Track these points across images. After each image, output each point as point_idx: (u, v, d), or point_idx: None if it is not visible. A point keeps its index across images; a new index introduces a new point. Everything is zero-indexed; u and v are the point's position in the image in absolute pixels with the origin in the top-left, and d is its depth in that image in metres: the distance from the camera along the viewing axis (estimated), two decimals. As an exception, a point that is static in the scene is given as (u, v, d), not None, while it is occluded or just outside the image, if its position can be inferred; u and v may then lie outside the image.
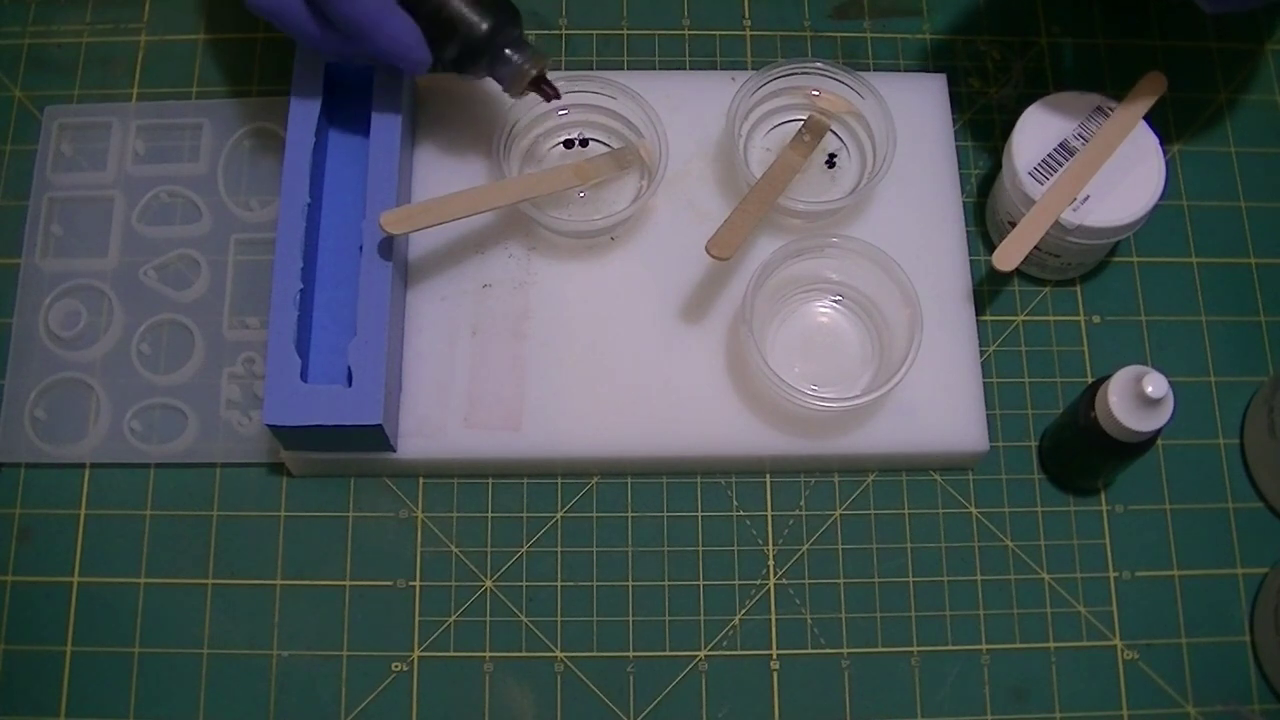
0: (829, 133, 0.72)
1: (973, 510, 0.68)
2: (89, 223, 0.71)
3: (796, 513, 0.68)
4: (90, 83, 0.75)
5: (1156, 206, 0.67)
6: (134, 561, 0.66)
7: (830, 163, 0.72)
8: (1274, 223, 0.75)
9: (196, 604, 0.66)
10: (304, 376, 0.64)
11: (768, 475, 0.69)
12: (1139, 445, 0.62)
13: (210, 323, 0.69)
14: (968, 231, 0.72)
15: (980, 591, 0.67)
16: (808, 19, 0.78)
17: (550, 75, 0.66)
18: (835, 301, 0.70)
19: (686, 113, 0.72)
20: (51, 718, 0.64)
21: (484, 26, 0.63)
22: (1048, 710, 0.65)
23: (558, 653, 0.65)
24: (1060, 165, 0.68)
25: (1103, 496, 0.69)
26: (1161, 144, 0.68)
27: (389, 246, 0.65)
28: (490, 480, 0.68)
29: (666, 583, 0.67)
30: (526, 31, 0.66)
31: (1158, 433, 0.61)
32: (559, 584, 0.66)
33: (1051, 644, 0.66)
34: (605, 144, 0.72)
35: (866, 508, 0.68)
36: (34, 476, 0.68)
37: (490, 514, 0.68)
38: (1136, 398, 0.60)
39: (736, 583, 0.67)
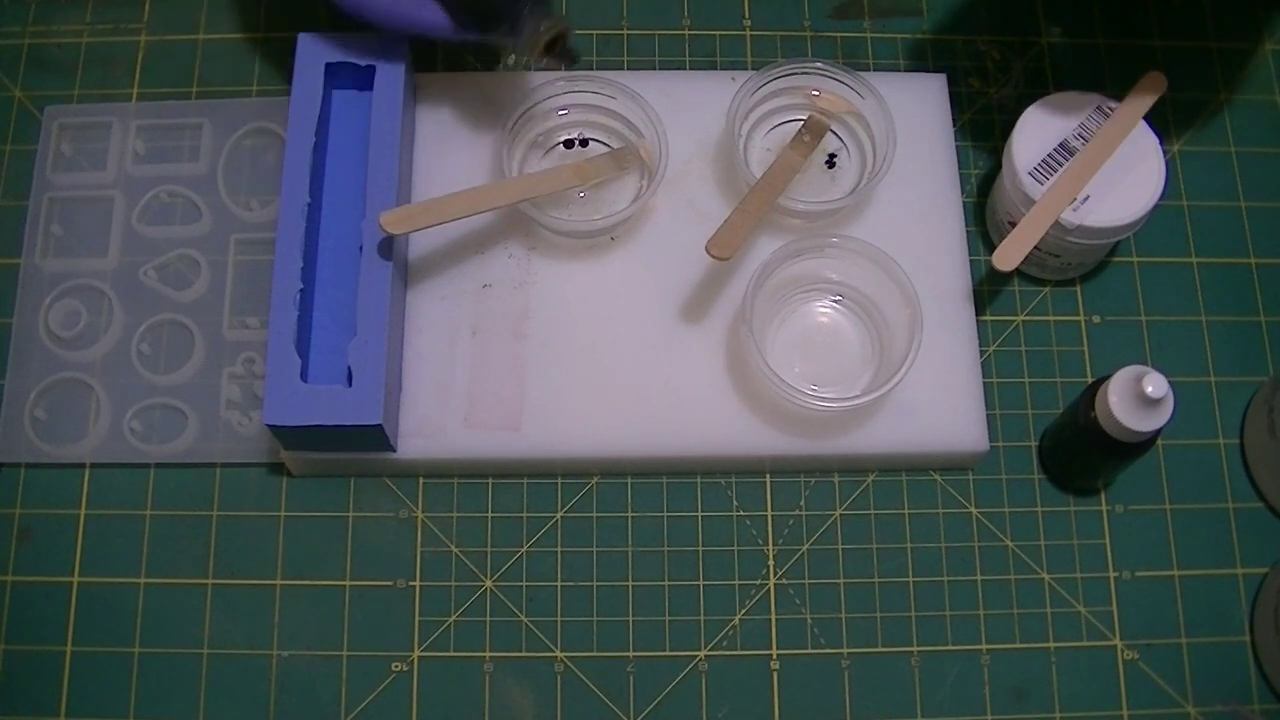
0: (829, 133, 0.72)
1: (973, 510, 0.68)
2: (89, 223, 0.71)
3: (796, 513, 0.68)
4: (90, 83, 0.75)
5: (1156, 206, 0.67)
6: (134, 561, 0.66)
7: (830, 163, 0.72)
8: (1274, 223, 0.75)
9: (196, 604, 0.66)
10: (304, 376, 0.64)
11: (768, 475, 0.69)
12: (1139, 445, 0.62)
13: (210, 323, 0.69)
14: (968, 231, 0.72)
15: (980, 591, 0.67)
16: (808, 19, 0.78)
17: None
18: (835, 301, 0.70)
19: (686, 113, 0.72)
20: (51, 718, 0.64)
21: None
22: (1048, 710, 0.65)
23: (558, 653, 0.65)
24: (1060, 165, 0.68)
25: (1103, 496, 0.69)
26: (1161, 144, 0.68)
27: (389, 246, 0.65)
28: (490, 480, 0.68)
29: (666, 583, 0.67)
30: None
31: (1158, 433, 0.61)
32: (559, 584, 0.66)
33: (1051, 644, 0.66)
34: (605, 144, 0.72)
35: (866, 508, 0.68)
36: (34, 476, 0.68)
37: (490, 514, 0.68)
38: (1136, 398, 0.60)
39: (736, 583, 0.67)
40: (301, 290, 0.64)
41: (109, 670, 0.64)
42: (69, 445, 0.67)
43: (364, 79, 0.69)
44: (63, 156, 0.73)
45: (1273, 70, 0.78)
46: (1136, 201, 0.67)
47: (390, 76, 0.68)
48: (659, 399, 0.67)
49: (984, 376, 0.69)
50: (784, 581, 0.67)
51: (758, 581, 0.67)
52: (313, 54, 0.68)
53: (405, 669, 0.65)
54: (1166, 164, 0.68)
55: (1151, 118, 0.69)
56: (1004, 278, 0.73)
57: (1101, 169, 0.67)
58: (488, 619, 0.66)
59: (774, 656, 0.66)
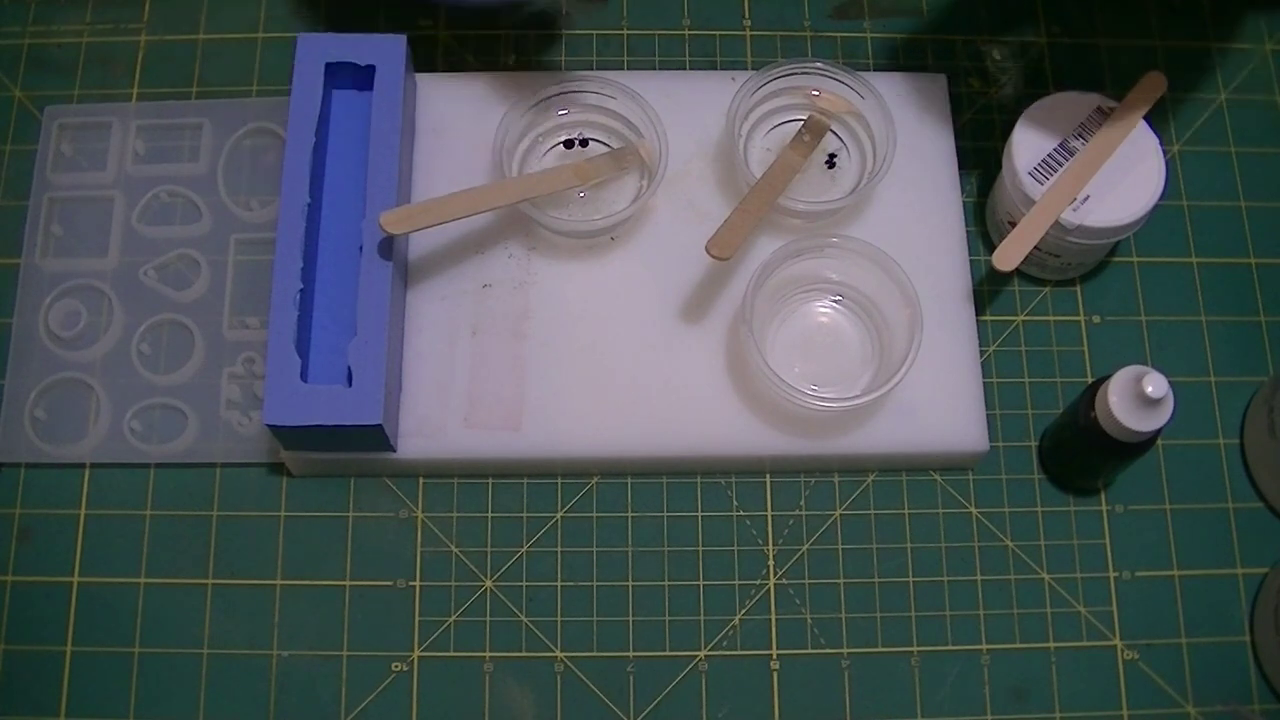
0: (829, 133, 0.72)
1: (973, 510, 0.68)
2: (89, 223, 0.71)
3: (796, 513, 0.68)
4: (90, 83, 0.75)
5: (1156, 206, 0.67)
6: (134, 561, 0.66)
7: (830, 163, 0.72)
8: (1274, 223, 0.75)
9: (196, 604, 0.66)
10: (304, 376, 0.64)
11: (768, 475, 0.69)
12: (1139, 445, 0.62)
13: (210, 323, 0.69)
14: (968, 231, 0.72)
15: (980, 591, 0.67)
16: (808, 19, 0.78)
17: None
18: (835, 301, 0.70)
19: (686, 113, 0.72)
20: (51, 718, 0.64)
21: None
22: (1048, 710, 0.65)
23: (558, 653, 0.65)
24: (1060, 165, 0.68)
25: (1103, 496, 0.69)
26: (1161, 144, 0.68)
27: (389, 246, 0.65)
28: (490, 480, 0.68)
29: (666, 583, 0.67)
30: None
31: (1158, 433, 0.61)
32: (559, 584, 0.66)
33: (1051, 644, 0.66)
34: (605, 144, 0.72)
35: (866, 508, 0.68)
36: (34, 476, 0.68)
37: (490, 514, 0.68)
38: (1136, 398, 0.60)
39: (736, 583, 0.67)
40: (301, 290, 0.64)
41: (109, 670, 0.64)
42: (69, 445, 0.67)
43: (364, 79, 0.69)
44: (63, 156, 0.73)
45: (1273, 70, 0.78)
46: (1136, 201, 0.67)
47: (390, 76, 0.68)
48: (659, 399, 0.67)
49: (984, 376, 0.69)
50: (784, 581, 0.67)
51: (758, 581, 0.67)
52: (313, 54, 0.68)
53: (405, 669, 0.65)
54: (1166, 164, 0.68)
55: (1151, 118, 0.69)
56: (1004, 278, 0.73)
57: (1101, 169, 0.67)
58: (488, 619, 0.66)
59: (774, 656, 0.66)
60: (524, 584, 0.66)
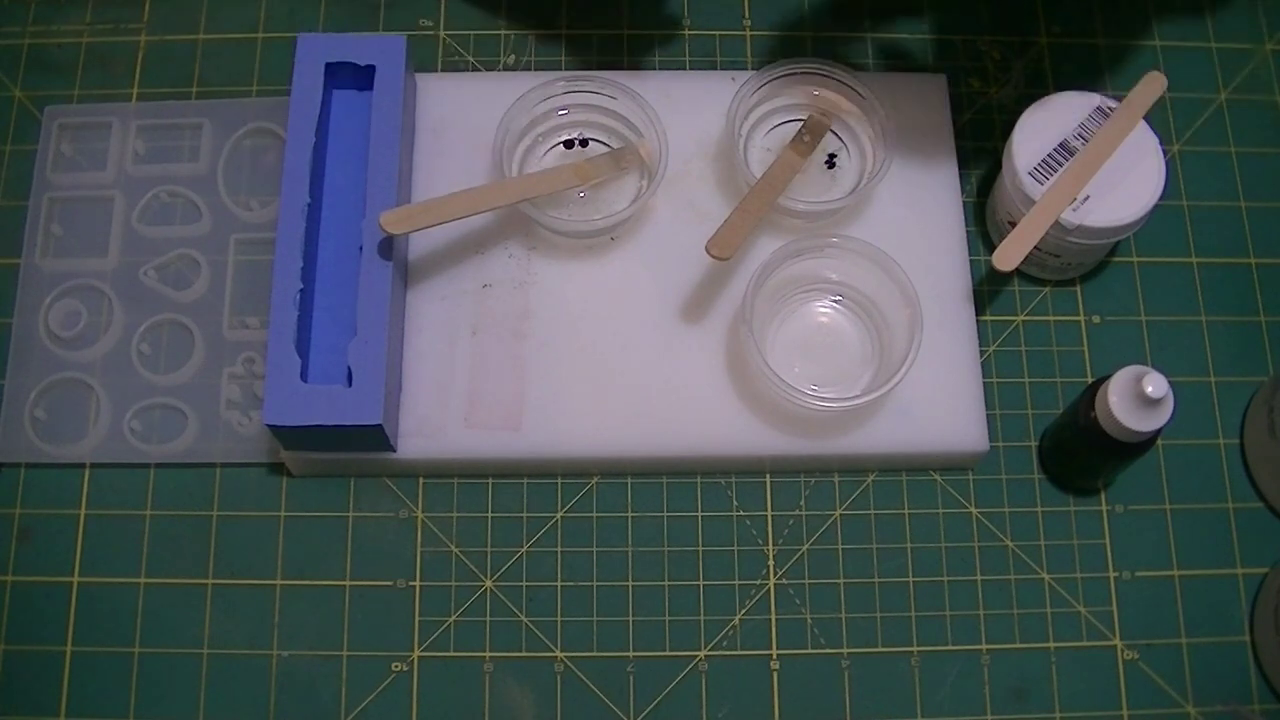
0: (829, 133, 0.72)
1: (973, 510, 0.68)
2: (89, 223, 0.71)
3: (796, 513, 0.68)
4: (90, 83, 0.75)
5: (1156, 206, 0.67)
6: (134, 561, 0.66)
7: (830, 163, 0.72)
8: (1274, 223, 0.75)
9: (196, 604, 0.66)
10: (304, 376, 0.64)
11: (768, 475, 0.69)
12: (1139, 445, 0.62)
13: (210, 323, 0.69)
14: (968, 231, 0.72)
15: (980, 591, 0.67)
16: (807, 19, 0.78)
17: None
18: (835, 301, 0.70)
19: (686, 113, 0.72)
20: (51, 718, 0.64)
21: None
22: (1048, 710, 0.65)
23: (558, 653, 0.65)
24: (1060, 165, 0.68)
25: (1103, 496, 0.69)
26: (1161, 144, 0.68)
27: (389, 246, 0.65)
28: (490, 480, 0.68)
29: (666, 583, 0.67)
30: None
31: (1158, 433, 0.61)
32: (559, 584, 0.66)
33: (1051, 644, 0.66)
34: (605, 144, 0.72)
35: (866, 508, 0.68)
36: (34, 476, 0.68)
37: (490, 514, 0.68)
38: (1136, 398, 0.60)
39: (736, 583, 0.67)
40: (301, 290, 0.64)
41: (109, 670, 0.64)
42: (69, 445, 0.67)
43: (364, 79, 0.69)
44: (63, 156, 0.73)
45: (1273, 70, 0.78)
46: (1136, 201, 0.67)
47: (390, 76, 0.68)
48: (659, 399, 0.67)
49: (984, 376, 0.69)
50: (784, 581, 0.67)
51: (758, 581, 0.67)
52: (313, 54, 0.68)
53: (405, 669, 0.65)
54: (1166, 164, 0.68)
55: (1151, 118, 0.69)
56: (1004, 278, 0.73)
57: (1101, 169, 0.67)
58: (488, 619, 0.66)
59: (774, 656, 0.66)
60: (524, 584, 0.66)
